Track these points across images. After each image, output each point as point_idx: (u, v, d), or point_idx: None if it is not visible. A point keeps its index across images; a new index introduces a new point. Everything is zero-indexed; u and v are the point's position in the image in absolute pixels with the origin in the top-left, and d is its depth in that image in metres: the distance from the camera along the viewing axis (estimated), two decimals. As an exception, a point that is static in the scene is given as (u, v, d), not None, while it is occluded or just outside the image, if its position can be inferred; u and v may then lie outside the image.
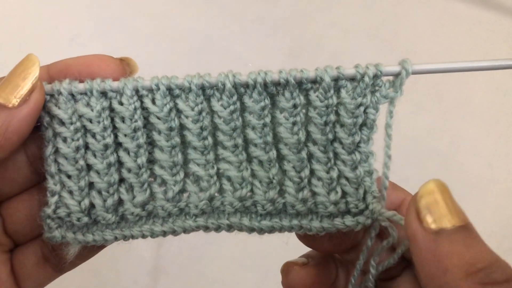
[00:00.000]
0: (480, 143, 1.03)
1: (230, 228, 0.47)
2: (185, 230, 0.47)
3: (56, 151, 0.45)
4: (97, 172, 0.45)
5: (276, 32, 1.09)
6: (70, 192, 0.45)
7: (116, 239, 0.46)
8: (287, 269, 0.51)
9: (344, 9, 1.11)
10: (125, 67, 0.46)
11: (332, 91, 0.43)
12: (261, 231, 0.46)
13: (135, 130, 0.45)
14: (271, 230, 0.46)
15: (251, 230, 0.46)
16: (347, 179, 0.45)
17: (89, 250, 0.48)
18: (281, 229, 0.46)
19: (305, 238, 0.48)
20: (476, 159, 1.02)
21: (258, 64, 1.07)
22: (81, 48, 1.04)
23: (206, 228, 0.47)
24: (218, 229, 0.47)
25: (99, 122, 0.44)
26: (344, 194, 0.46)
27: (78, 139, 0.45)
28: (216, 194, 0.46)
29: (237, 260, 0.94)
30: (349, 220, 0.45)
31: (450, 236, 0.35)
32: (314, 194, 0.46)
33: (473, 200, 0.99)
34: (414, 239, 0.36)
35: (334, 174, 0.45)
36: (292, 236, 0.49)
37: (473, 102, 1.06)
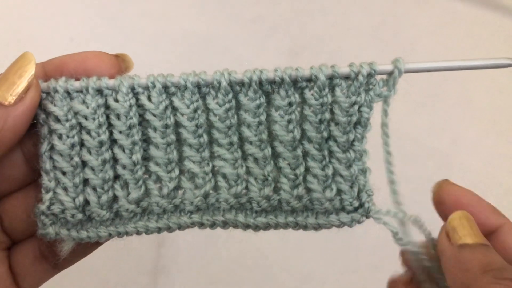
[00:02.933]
0: (480, 143, 1.03)
1: (225, 224, 0.47)
2: (180, 227, 0.47)
3: (52, 148, 0.45)
4: (92, 169, 0.45)
5: (276, 32, 1.09)
6: (65, 189, 0.45)
7: (110, 235, 0.46)
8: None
9: (344, 9, 1.11)
10: (120, 63, 0.46)
11: (327, 90, 0.44)
12: (256, 227, 0.46)
13: (130, 127, 0.45)
14: (266, 227, 0.46)
15: (246, 226, 0.46)
16: (342, 176, 0.46)
17: (84, 247, 0.48)
18: (277, 226, 0.46)
19: None
20: (476, 159, 1.02)
21: (258, 64, 1.07)
22: (81, 48, 1.03)
23: (201, 225, 0.47)
24: (213, 225, 0.47)
25: (94, 119, 0.44)
26: (339, 191, 0.46)
27: (73, 136, 0.45)
28: (211, 191, 0.46)
29: (237, 260, 0.94)
30: (344, 217, 0.46)
31: (472, 248, 0.41)
32: (309, 191, 0.46)
33: (473, 200, 0.98)
34: (443, 252, 0.43)
35: (329, 171, 0.46)
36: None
37: (473, 102, 1.05)
